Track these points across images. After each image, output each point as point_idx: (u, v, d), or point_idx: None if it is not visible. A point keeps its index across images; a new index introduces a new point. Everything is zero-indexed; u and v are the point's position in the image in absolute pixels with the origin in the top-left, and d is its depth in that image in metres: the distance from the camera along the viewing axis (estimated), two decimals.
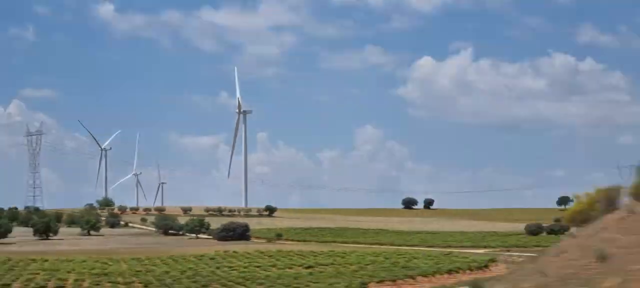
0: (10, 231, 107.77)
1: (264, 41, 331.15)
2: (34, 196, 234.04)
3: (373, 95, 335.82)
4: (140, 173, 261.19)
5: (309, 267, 65.36)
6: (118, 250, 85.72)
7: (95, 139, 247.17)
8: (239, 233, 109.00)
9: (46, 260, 68.60)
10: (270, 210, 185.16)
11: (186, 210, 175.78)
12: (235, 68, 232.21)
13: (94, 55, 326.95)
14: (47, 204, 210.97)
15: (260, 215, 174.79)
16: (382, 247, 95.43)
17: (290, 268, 65.28)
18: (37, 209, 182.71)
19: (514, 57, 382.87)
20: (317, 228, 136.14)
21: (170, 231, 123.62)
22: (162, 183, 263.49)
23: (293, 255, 76.67)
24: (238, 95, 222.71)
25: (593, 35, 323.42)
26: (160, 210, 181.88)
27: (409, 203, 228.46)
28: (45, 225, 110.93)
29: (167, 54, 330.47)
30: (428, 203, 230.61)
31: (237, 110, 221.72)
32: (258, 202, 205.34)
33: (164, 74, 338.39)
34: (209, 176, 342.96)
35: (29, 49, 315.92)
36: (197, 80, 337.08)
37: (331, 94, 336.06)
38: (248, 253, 78.16)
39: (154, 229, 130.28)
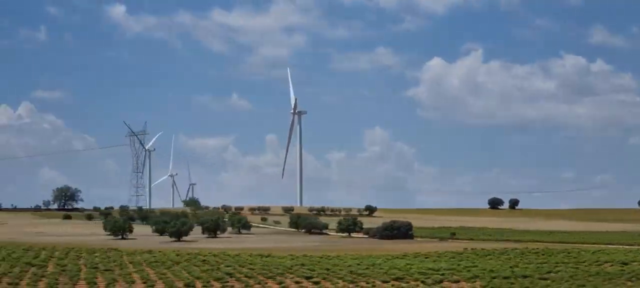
0: (191, 229, 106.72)
1: (274, 42, 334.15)
2: (137, 196, 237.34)
3: (383, 97, 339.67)
4: (177, 174, 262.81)
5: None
6: (326, 249, 78.53)
7: (139, 140, 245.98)
8: (403, 232, 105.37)
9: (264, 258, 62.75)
10: (371, 210, 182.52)
11: (264, 210, 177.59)
12: (288, 69, 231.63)
13: (104, 57, 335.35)
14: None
15: (360, 215, 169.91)
16: (573, 245, 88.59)
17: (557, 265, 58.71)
18: (140, 208, 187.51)
19: (525, 59, 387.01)
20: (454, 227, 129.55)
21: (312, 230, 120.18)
22: (192, 184, 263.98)
23: (528, 254, 70.89)
24: (292, 95, 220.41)
25: (604, 36, 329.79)
26: (264, 209, 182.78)
27: (495, 203, 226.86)
28: (214, 223, 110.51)
29: (178, 55, 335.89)
30: (513, 204, 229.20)
31: (292, 111, 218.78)
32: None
33: (174, 75, 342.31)
34: (218, 177, 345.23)
35: (40, 50, 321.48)
36: (207, 82, 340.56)
37: (340, 95, 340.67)
38: (475, 253, 72.27)
39: (285, 228, 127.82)
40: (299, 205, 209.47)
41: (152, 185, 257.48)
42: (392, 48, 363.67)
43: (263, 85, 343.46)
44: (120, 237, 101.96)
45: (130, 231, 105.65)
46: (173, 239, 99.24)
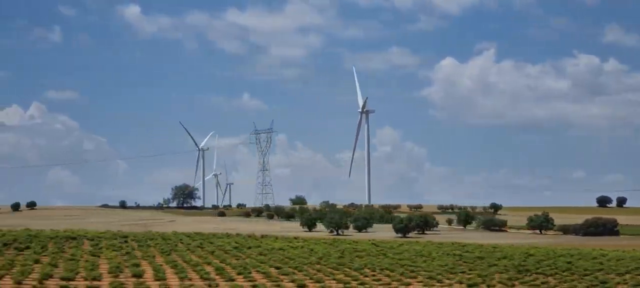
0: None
1: (289, 42, 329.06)
2: (263, 194, 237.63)
3: (395, 97, 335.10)
4: (220, 173, 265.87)
5: None
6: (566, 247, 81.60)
7: (193, 140, 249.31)
8: (609, 229, 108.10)
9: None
10: (495, 208, 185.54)
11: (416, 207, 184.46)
12: (354, 67, 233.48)
13: (118, 57, 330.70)
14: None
15: (486, 212, 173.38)
16: None
17: None
18: (267, 206, 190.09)
19: (538, 58, 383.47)
20: None
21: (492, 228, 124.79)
22: (230, 184, 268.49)
23: None
24: (360, 95, 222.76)
25: (618, 35, 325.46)
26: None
27: (603, 202, 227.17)
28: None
29: (191, 55, 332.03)
30: (621, 202, 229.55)
31: (361, 110, 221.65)
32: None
33: (187, 75, 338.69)
34: (230, 177, 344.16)
35: (53, 51, 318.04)
36: (220, 82, 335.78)
37: (352, 95, 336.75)
38: None
39: (459, 227, 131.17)
40: (367, 202, 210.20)
41: (197, 185, 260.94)
42: (406, 48, 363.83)
43: (275, 85, 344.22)
44: (335, 234, 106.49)
45: (346, 227, 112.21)
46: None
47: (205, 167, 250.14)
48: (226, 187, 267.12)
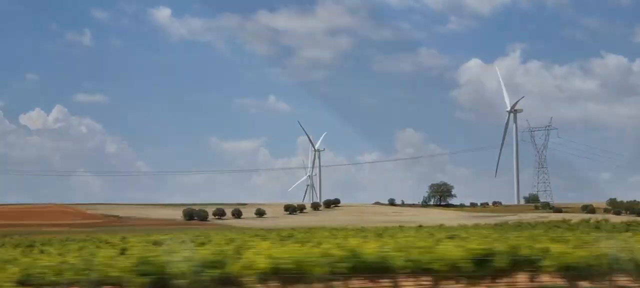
0: None
1: (318, 44, 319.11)
2: (539, 191, 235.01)
3: (424, 98, 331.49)
4: (315, 174, 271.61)
5: None
6: None
7: (310, 141, 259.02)
8: None
9: None
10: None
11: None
12: (497, 68, 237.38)
13: (148, 60, 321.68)
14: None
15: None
16: None
17: None
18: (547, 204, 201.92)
19: (567, 58, 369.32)
20: None
21: None
22: (308, 185, 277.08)
23: None
24: (506, 95, 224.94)
25: None
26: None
27: None
28: None
29: (221, 57, 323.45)
30: None
31: (508, 110, 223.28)
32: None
33: (216, 77, 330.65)
34: (250, 179, 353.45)
35: (84, 54, 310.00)
36: (248, 84, 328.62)
37: (378, 97, 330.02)
38: None
39: None
40: (516, 202, 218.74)
41: (294, 185, 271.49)
42: (435, 49, 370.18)
43: (302, 87, 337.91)
44: None
45: None
46: None
47: (320, 166, 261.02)
48: (306, 188, 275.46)
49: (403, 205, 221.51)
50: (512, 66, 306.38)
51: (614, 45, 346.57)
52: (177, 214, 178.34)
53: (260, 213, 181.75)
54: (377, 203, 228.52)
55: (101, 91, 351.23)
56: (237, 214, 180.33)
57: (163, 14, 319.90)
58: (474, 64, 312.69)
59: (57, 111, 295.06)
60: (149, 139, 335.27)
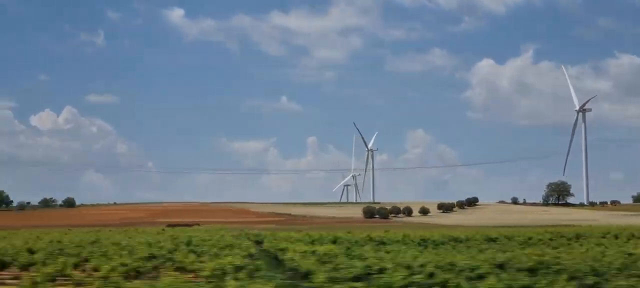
0: None
1: (330, 44, 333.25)
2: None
3: (433, 98, 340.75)
4: (359, 174, 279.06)
5: None
6: None
7: (364, 142, 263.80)
8: None
9: None
10: None
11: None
12: (563, 67, 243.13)
13: (160, 61, 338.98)
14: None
15: None
16: None
17: None
18: None
19: (579, 59, 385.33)
20: None
21: None
22: (347, 185, 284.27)
23: None
24: (574, 95, 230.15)
25: None
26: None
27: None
28: None
29: (234, 58, 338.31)
30: None
31: (577, 109, 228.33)
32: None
33: (228, 77, 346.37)
34: (259, 180, 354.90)
35: (97, 55, 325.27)
36: (259, 84, 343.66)
37: (388, 97, 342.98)
38: None
39: None
40: (585, 201, 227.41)
41: (342, 184, 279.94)
42: (447, 49, 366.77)
43: (314, 87, 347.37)
44: None
45: None
46: None
47: (374, 166, 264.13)
48: (343, 189, 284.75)
49: (525, 204, 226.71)
50: (524, 66, 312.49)
51: (628, 45, 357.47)
52: (352, 213, 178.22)
53: (424, 211, 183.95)
54: (502, 202, 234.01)
55: (112, 92, 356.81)
56: (424, 212, 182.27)
57: (176, 14, 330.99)
58: (486, 64, 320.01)
59: (67, 112, 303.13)
60: (159, 139, 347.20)
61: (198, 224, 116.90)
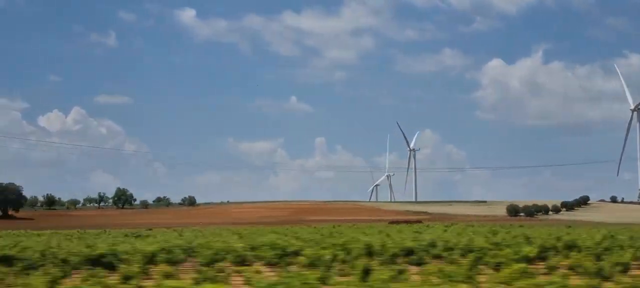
0: None
1: (342, 45, 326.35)
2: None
3: (444, 99, 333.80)
4: (393, 174, 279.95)
5: None
6: None
7: (406, 140, 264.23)
8: None
9: None
10: None
11: None
12: (616, 66, 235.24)
13: (171, 61, 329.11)
14: None
15: None
16: None
17: None
18: None
19: (591, 58, 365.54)
20: None
21: None
22: (377, 185, 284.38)
23: None
24: (627, 93, 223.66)
25: None
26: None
27: None
28: None
29: (245, 58, 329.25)
30: None
31: (632, 108, 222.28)
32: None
33: (239, 78, 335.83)
34: (267, 180, 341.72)
35: (108, 56, 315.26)
36: (269, 85, 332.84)
37: (398, 98, 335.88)
38: None
39: None
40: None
41: (375, 184, 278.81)
42: (458, 49, 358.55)
43: (323, 88, 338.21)
44: None
45: None
46: None
47: (416, 166, 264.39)
48: (373, 188, 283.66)
49: (624, 202, 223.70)
50: (534, 66, 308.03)
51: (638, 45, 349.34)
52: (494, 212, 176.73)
53: (556, 210, 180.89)
54: (602, 201, 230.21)
55: (122, 93, 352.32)
56: (556, 211, 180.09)
57: (188, 15, 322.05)
58: (496, 64, 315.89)
59: (75, 113, 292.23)
60: (167, 140, 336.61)
61: (420, 222, 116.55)
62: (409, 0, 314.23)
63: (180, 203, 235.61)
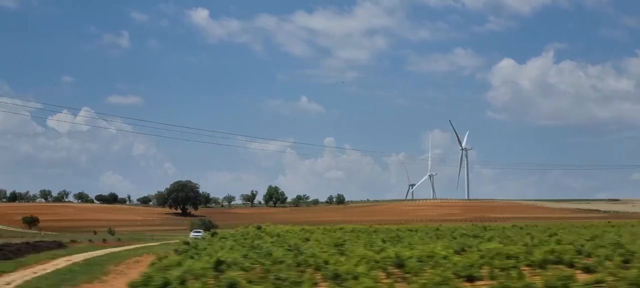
0: None
1: (355, 45, 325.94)
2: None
3: (455, 98, 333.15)
4: (436, 174, 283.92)
5: None
6: None
7: (458, 139, 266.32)
8: None
9: None
10: None
11: None
12: None
13: (183, 61, 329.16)
14: None
15: None
16: None
17: None
18: None
19: (603, 58, 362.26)
20: None
21: None
22: (412, 185, 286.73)
23: None
24: None
25: None
26: None
27: None
28: None
29: (258, 58, 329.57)
30: None
31: None
32: None
33: (251, 78, 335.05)
34: (276, 180, 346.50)
35: (121, 56, 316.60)
36: (280, 85, 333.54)
37: (409, 98, 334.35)
38: None
39: None
40: None
41: (417, 184, 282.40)
42: (471, 49, 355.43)
43: (334, 88, 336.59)
44: None
45: None
46: None
47: (468, 166, 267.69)
48: (409, 188, 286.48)
49: None
50: (545, 66, 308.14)
51: None
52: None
53: None
54: None
55: (134, 93, 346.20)
56: None
57: (201, 15, 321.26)
58: (507, 64, 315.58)
59: (84, 113, 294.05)
60: (177, 140, 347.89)
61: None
62: (423, 0, 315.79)
63: (327, 202, 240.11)
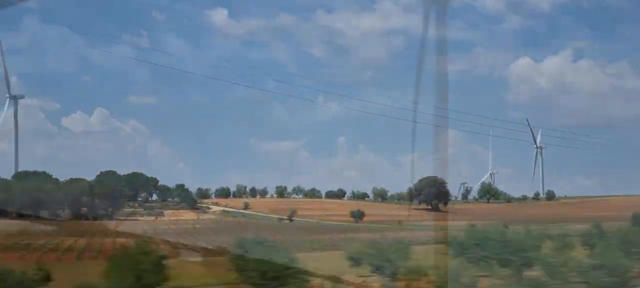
0: None
1: (372, 44, 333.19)
2: None
3: (471, 98, 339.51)
4: (497, 172, 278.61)
5: None
6: None
7: (534, 138, 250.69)
8: None
9: None
10: None
11: None
12: None
13: (200, 61, 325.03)
14: None
15: None
16: None
17: None
18: None
19: (620, 55, 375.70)
20: None
21: None
22: (463, 183, 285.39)
23: None
24: None
25: None
26: None
27: None
28: None
29: (274, 59, 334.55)
30: None
31: None
32: None
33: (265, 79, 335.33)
34: (290, 180, 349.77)
35: (139, 56, 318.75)
36: (297, 84, 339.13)
37: (426, 97, 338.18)
38: None
39: None
40: None
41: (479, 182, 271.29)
42: (488, 48, 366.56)
43: (350, 87, 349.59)
44: None
45: None
46: None
47: (543, 164, 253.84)
48: (465, 186, 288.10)
49: None
50: (563, 65, 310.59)
51: None
52: None
53: None
54: None
55: (151, 93, 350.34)
56: None
57: (220, 14, 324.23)
58: (524, 62, 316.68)
59: (98, 113, 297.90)
60: (191, 141, 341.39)
61: None
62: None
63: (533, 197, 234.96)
